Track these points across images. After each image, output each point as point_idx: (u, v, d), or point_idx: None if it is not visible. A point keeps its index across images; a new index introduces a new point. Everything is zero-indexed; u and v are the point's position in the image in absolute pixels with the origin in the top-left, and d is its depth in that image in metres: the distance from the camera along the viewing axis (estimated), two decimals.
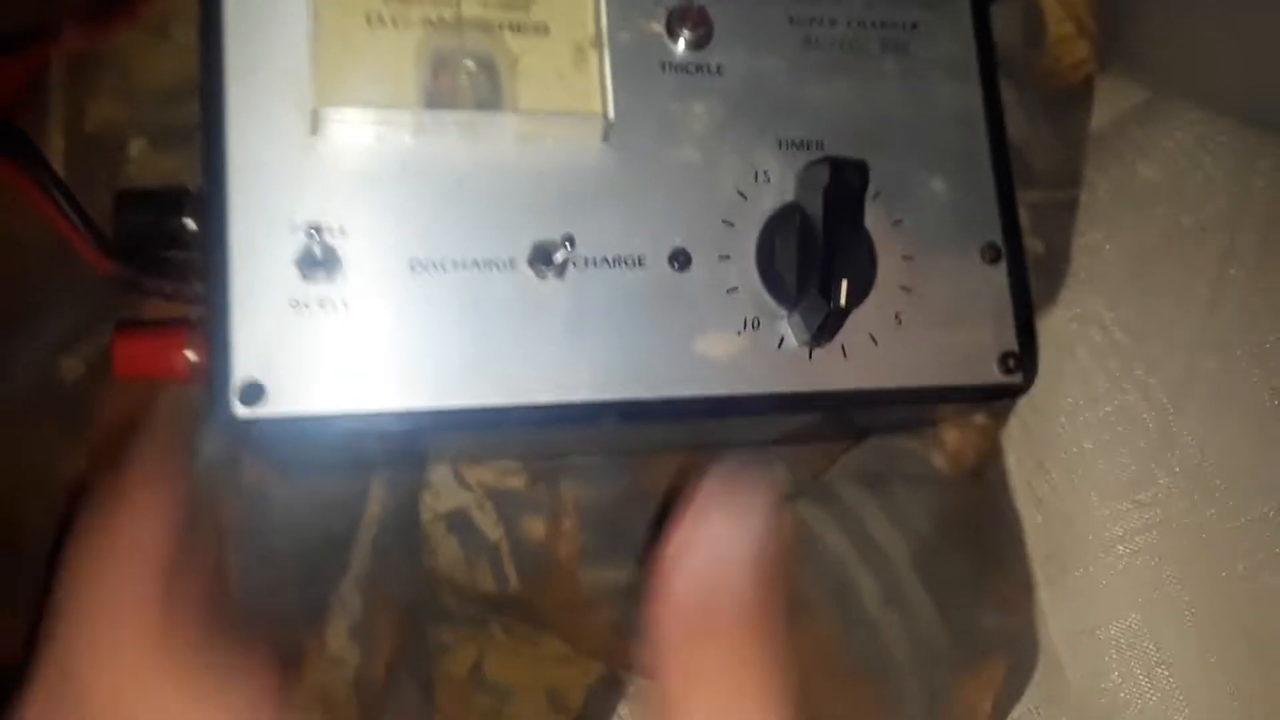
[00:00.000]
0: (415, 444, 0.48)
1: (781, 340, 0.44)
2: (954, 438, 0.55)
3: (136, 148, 0.50)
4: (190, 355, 0.44)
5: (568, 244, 0.42)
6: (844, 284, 0.40)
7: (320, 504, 0.50)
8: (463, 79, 0.42)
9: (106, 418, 0.45)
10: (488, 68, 0.42)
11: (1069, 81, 0.55)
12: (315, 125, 0.40)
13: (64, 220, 0.44)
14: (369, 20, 0.41)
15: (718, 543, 0.38)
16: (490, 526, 0.54)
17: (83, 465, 0.45)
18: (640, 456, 0.54)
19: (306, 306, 0.40)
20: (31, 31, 0.48)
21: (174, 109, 0.51)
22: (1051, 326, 0.64)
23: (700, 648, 0.36)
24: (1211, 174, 0.69)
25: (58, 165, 0.49)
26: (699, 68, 0.45)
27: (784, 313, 0.44)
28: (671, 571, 0.38)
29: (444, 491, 0.53)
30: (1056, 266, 0.58)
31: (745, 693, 0.36)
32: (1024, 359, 0.46)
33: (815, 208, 0.43)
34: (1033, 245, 0.57)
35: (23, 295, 0.49)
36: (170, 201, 0.44)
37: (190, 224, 0.44)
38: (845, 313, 0.41)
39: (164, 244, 0.44)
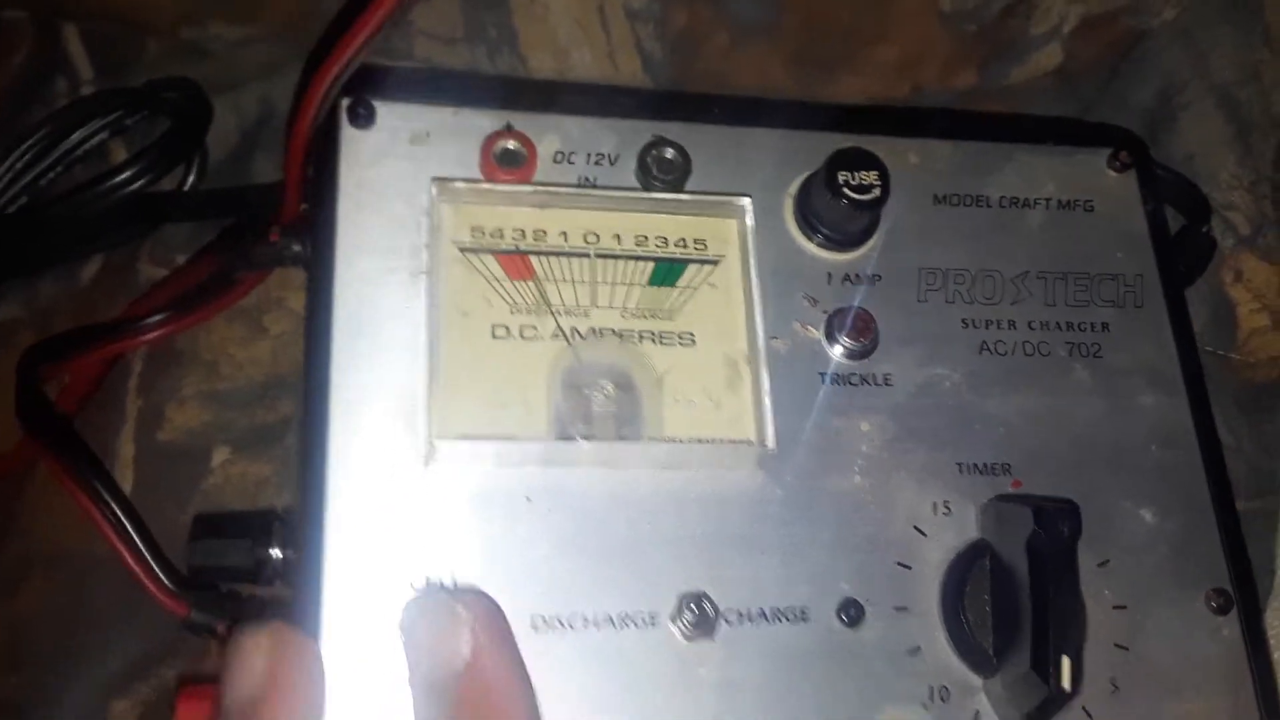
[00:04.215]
0: None
1: (977, 716, 0.36)
2: None
3: (220, 456, 0.45)
4: None
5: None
6: (1065, 663, 0.33)
7: None
8: (599, 402, 0.36)
9: None
10: (627, 388, 0.36)
11: (1266, 378, 0.49)
12: (429, 456, 0.34)
13: (129, 553, 0.38)
14: (494, 334, 0.36)
15: None
16: None
17: None
18: None
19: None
20: (108, 326, 0.44)
21: (265, 409, 0.46)
22: None
23: None
24: None
25: (126, 476, 0.44)
26: (864, 379, 0.39)
27: (978, 680, 0.36)
28: None
29: None
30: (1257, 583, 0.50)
31: None
32: None
33: (1010, 552, 0.36)
34: None
35: (79, 626, 0.43)
36: (255, 528, 0.38)
37: (277, 553, 0.38)
38: (1070, 697, 0.33)
39: (247, 578, 0.38)
